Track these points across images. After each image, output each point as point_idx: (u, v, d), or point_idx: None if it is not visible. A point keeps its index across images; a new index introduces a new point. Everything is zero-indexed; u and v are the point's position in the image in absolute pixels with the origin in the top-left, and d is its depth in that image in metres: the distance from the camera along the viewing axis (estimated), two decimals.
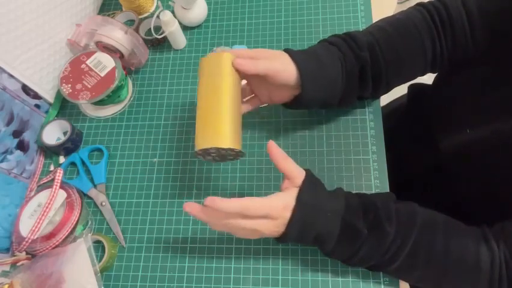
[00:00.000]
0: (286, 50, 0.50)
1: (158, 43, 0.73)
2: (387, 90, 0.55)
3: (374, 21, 0.67)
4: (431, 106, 0.62)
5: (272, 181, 0.59)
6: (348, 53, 0.51)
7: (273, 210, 0.43)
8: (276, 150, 0.47)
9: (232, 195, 0.58)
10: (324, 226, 0.44)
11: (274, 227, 0.44)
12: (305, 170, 0.47)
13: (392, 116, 0.76)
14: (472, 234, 0.44)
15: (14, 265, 0.55)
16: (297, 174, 0.46)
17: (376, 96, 0.59)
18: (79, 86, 0.63)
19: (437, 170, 0.61)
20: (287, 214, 0.44)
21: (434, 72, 0.58)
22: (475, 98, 0.51)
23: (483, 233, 0.44)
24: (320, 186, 0.48)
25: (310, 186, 0.46)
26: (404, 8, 0.56)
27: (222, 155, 0.49)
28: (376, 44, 0.51)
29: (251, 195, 0.57)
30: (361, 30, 0.55)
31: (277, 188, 0.58)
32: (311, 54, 0.51)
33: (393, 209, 0.45)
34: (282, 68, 0.48)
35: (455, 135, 0.54)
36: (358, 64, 0.51)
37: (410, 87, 0.70)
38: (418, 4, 0.53)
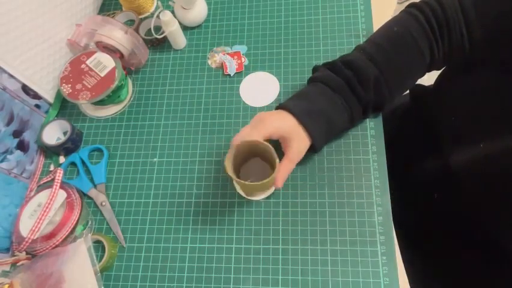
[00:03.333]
0: (293, 114, 0.51)
1: (158, 43, 0.73)
2: (390, 104, 0.57)
3: (373, 21, 0.68)
4: (432, 107, 0.62)
5: None
6: (352, 100, 0.53)
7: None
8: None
9: (232, 194, 0.58)
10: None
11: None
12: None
13: (392, 116, 0.76)
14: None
15: (14, 265, 0.55)
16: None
17: (379, 112, 0.61)
18: (79, 86, 0.63)
19: (438, 170, 0.60)
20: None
21: (429, 72, 0.58)
22: (476, 98, 0.51)
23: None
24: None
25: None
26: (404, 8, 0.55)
27: None
28: (381, 76, 0.51)
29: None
30: (361, 45, 0.55)
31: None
32: (318, 113, 0.52)
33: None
34: (300, 144, 0.51)
35: (456, 136, 0.54)
36: (361, 105, 0.53)
37: (412, 89, 0.70)
38: (413, 6, 0.53)
